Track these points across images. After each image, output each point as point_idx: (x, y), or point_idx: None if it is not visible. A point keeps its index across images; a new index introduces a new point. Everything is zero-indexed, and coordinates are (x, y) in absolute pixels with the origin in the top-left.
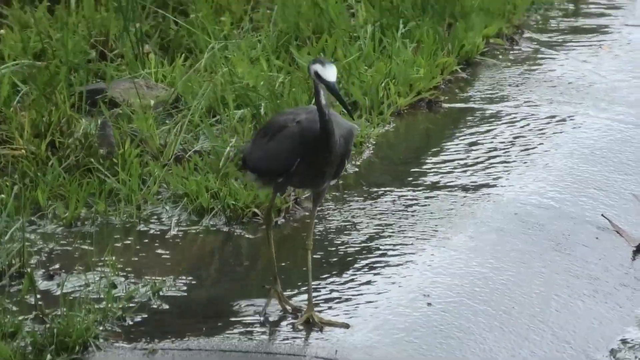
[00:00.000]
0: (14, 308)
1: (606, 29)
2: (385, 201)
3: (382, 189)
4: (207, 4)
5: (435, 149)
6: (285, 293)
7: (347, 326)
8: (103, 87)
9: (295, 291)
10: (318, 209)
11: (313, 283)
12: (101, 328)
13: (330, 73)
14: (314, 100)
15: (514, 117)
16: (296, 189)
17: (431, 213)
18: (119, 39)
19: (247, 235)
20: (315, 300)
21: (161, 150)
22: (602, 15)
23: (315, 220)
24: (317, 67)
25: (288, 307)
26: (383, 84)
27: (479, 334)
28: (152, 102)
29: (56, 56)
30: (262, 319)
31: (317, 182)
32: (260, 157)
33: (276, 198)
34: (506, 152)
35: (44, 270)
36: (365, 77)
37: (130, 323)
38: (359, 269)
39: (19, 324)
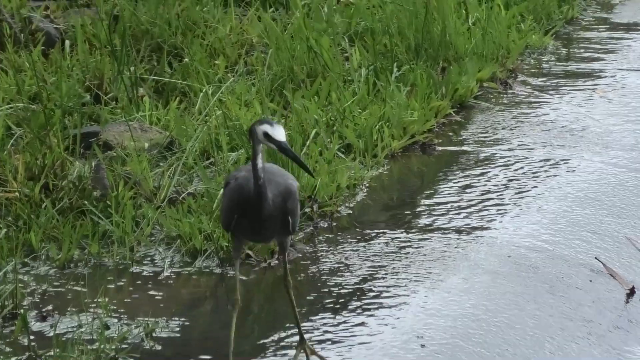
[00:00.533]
0: (7, 349)
1: (600, 73)
2: (379, 243)
3: (376, 230)
4: (202, 48)
5: (428, 192)
6: (278, 334)
7: None
8: (97, 130)
9: (289, 332)
10: (295, 253)
11: (306, 324)
12: None
13: (279, 133)
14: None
15: (508, 160)
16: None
17: (425, 255)
18: (114, 82)
19: (240, 277)
20: (309, 342)
21: (155, 192)
22: (595, 59)
23: (289, 266)
24: (266, 127)
25: None
26: (377, 127)
27: None
28: (146, 144)
29: (50, 99)
30: None
31: (263, 237)
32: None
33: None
34: (500, 195)
35: (37, 312)
36: (359, 120)
37: None
38: (352, 311)
39: None
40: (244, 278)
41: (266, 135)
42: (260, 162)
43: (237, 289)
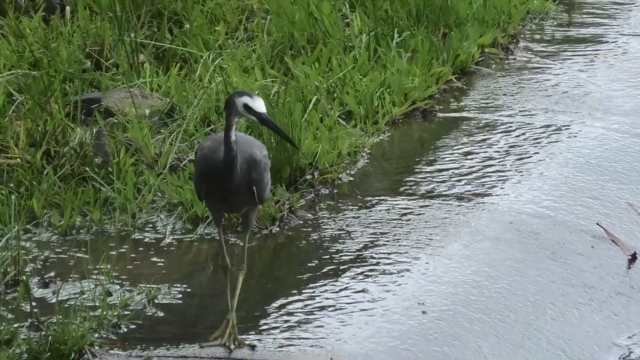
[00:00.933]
0: (10, 315)
1: (601, 39)
2: (380, 210)
3: (377, 197)
4: (202, 14)
5: (430, 158)
6: (279, 301)
7: (253, 348)
8: (98, 97)
9: (290, 299)
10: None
11: (307, 291)
12: (96, 335)
13: (260, 104)
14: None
15: (509, 127)
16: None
17: (426, 222)
18: (114, 48)
19: (241, 243)
20: (310, 309)
21: (156, 159)
22: (597, 24)
23: (248, 245)
24: (246, 99)
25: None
26: (378, 94)
27: (474, 342)
28: (147, 111)
29: (51, 66)
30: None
31: (232, 207)
32: None
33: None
34: (501, 161)
35: (39, 278)
36: (360, 86)
37: (126, 330)
38: (353, 277)
39: (15, 331)
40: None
41: (246, 107)
42: (233, 135)
43: (225, 253)
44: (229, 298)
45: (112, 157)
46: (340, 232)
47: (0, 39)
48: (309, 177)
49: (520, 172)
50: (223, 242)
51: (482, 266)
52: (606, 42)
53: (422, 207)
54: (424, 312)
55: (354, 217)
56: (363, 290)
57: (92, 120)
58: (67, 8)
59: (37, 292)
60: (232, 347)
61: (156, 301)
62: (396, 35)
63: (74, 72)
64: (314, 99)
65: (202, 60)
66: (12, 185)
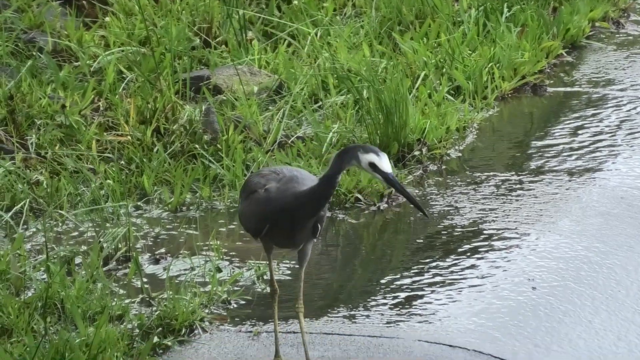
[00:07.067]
0: (121, 291)
1: None
2: (489, 185)
3: (486, 173)
4: None
5: (539, 133)
6: (387, 277)
7: None
8: (207, 74)
9: (398, 275)
10: (305, 269)
11: (416, 267)
12: (206, 311)
13: (387, 164)
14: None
15: (620, 101)
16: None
17: (536, 197)
18: (223, 25)
19: (349, 220)
20: (418, 285)
21: (264, 136)
22: None
23: (302, 283)
24: (372, 157)
25: None
26: (487, 69)
27: (585, 317)
28: (256, 88)
29: (160, 43)
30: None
31: (293, 243)
32: (239, 215)
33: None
34: (612, 136)
35: (150, 255)
36: (468, 61)
37: (235, 306)
38: (462, 254)
39: (126, 307)
40: (353, 221)
41: (372, 165)
42: (339, 180)
43: (274, 279)
44: (276, 320)
45: (221, 134)
46: (449, 208)
47: (110, 17)
48: (417, 153)
49: (632, 146)
50: (272, 268)
51: (593, 242)
52: None
53: (532, 182)
54: (533, 288)
55: (462, 193)
56: (472, 267)
57: (201, 98)
58: None
59: (148, 269)
60: None
61: (265, 277)
62: (505, 10)
63: (183, 50)
64: (422, 75)
65: (310, 37)
66: (122, 162)
